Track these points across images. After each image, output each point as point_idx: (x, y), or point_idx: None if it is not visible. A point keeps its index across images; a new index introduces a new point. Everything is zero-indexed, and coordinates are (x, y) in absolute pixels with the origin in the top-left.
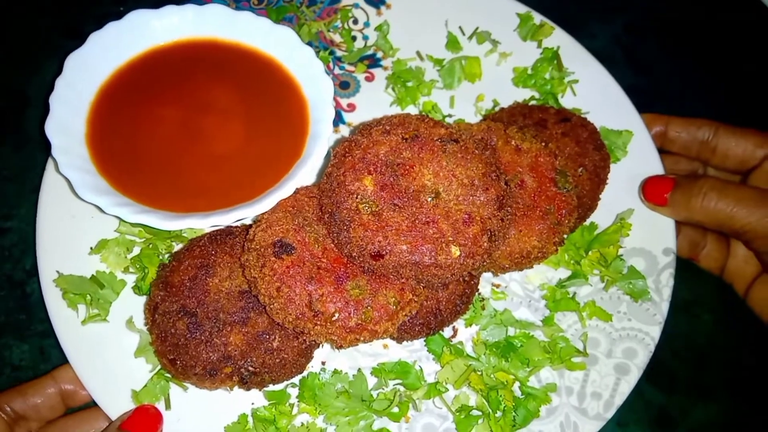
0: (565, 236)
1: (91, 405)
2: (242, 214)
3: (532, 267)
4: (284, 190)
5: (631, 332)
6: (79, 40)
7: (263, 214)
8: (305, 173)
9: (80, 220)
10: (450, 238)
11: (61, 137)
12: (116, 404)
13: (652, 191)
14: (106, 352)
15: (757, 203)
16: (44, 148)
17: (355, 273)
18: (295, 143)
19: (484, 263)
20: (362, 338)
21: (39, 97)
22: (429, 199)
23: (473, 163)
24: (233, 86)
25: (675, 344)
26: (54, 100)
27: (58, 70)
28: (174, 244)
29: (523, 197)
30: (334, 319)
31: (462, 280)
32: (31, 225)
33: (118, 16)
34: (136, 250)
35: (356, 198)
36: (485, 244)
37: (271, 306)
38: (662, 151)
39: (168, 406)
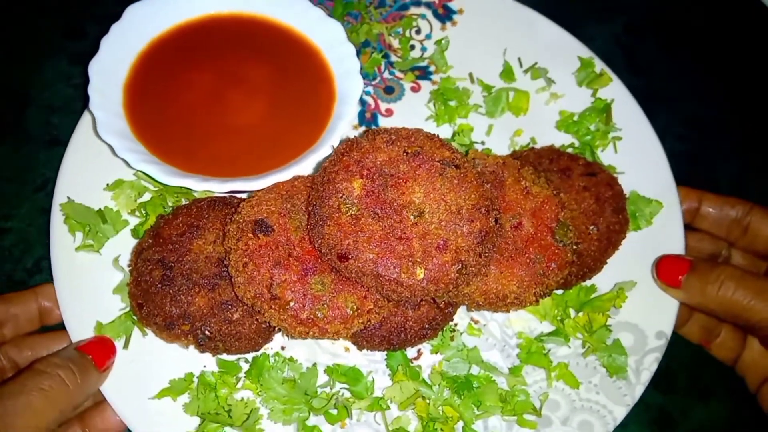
0: (549, 289)
1: (64, 327)
2: (237, 187)
3: (508, 311)
4: (283, 174)
5: (595, 406)
6: (79, 41)
7: (258, 191)
8: (307, 163)
9: (106, 157)
10: (418, 259)
11: (101, 78)
12: (81, 330)
13: (666, 271)
14: (89, 281)
15: None
16: (44, 147)
17: (324, 270)
18: (311, 133)
19: (449, 293)
20: (311, 333)
21: (39, 97)
22: (411, 217)
23: (467, 192)
24: (271, 65)
25: (674, 345)
26: (105, 42)
27: (118, 16)
28: (183, 200)
29: (515, 240)
30: (288, 306)
31: (436, 306)
32: (32, 225)
33: (119, 16)
34: (147, 197)
35: (340, 197)
36: (453, 274)
37: (236, 279)
38: (688, 227)
39: (126, 346)
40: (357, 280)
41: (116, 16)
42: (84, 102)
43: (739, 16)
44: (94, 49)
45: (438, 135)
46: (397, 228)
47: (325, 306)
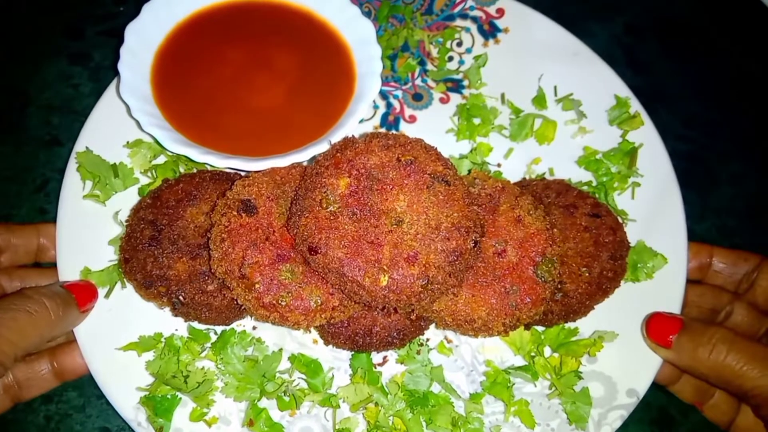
0: (520, 323)
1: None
2: (236, 165)
3: (476, 336)
4: (282, 160)
5: None
6: (79, 41)
7: (254, 172)
8: (307, 154)
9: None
10: (384, 267)
11: (136, 40)
12: (70, 272)
13: (656, 329)
14: (89, 229)
15: None
16: (44, 147)
17: (296, 260)
18: (321, 126)
19: (411, 306)
20: (272, 318)
21: (39, 97)
22: (389, 224)
23: (450, 209)
24: (299, 55)
25: None
26: (147, 8)
27: (117, 16)
28: (194, 169)
29: (495, 267)
30: (253, 288)
31: (407, 317)
32: None
33: (118, 16)
34: (161, 160)
35: (324, 192)
36: (417, 287)
37: (212, 252)
38: (690, 281)
39: (107, 296)
40: (323, 276)
41: (116, 16)
42: (113, 60)
43: (739, 16)
44: (94, 49)
45: (436, 148)
46: (372, 232)
47: (290, 295)
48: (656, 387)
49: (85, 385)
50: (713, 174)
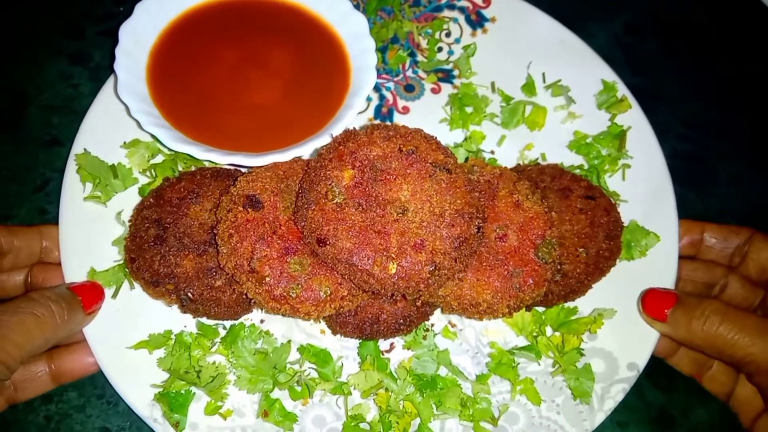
0: (523, 304)
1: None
2: (238, 161)
3: (481, 319)
4: (283, 155)
5: (553, 425)
6: (79, 41)
7: (257, 167)
8: (308, 147)
9: (127, 117)
10: (392, 255)
11: (130, 40)
12: (76, 273)
13: (652, 304)
14: (92, 230)
15: (762, 333)
16: (44, 147)
17: (304, 252)
18: (319, 120)
19: (420, 292)
20: (282, 309)
21: (39, 97)
22: (394, 213)
23: (453, 197)
24: (294, 51)
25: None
26: (140, 7)
27: (117, 15)
28: (193, 167)
29: (497, 251)
30: (264, 281)
31: (413, 304)
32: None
33: (118, 16)
34: (159, 159)
35: (329, 184)
36: (425, 274)
37: (220, 248)
38: (683, 256)
39: (114, 296)
40: (332, 266)
41: (116, 16)
42: (111, 60)
43: (739, 16)
44: (94, 49)
45: (436, 137)
46: (378, 222)
47: (300, 286)
48: (656, 387)
49: (85, 385)
50: (713, 174)
